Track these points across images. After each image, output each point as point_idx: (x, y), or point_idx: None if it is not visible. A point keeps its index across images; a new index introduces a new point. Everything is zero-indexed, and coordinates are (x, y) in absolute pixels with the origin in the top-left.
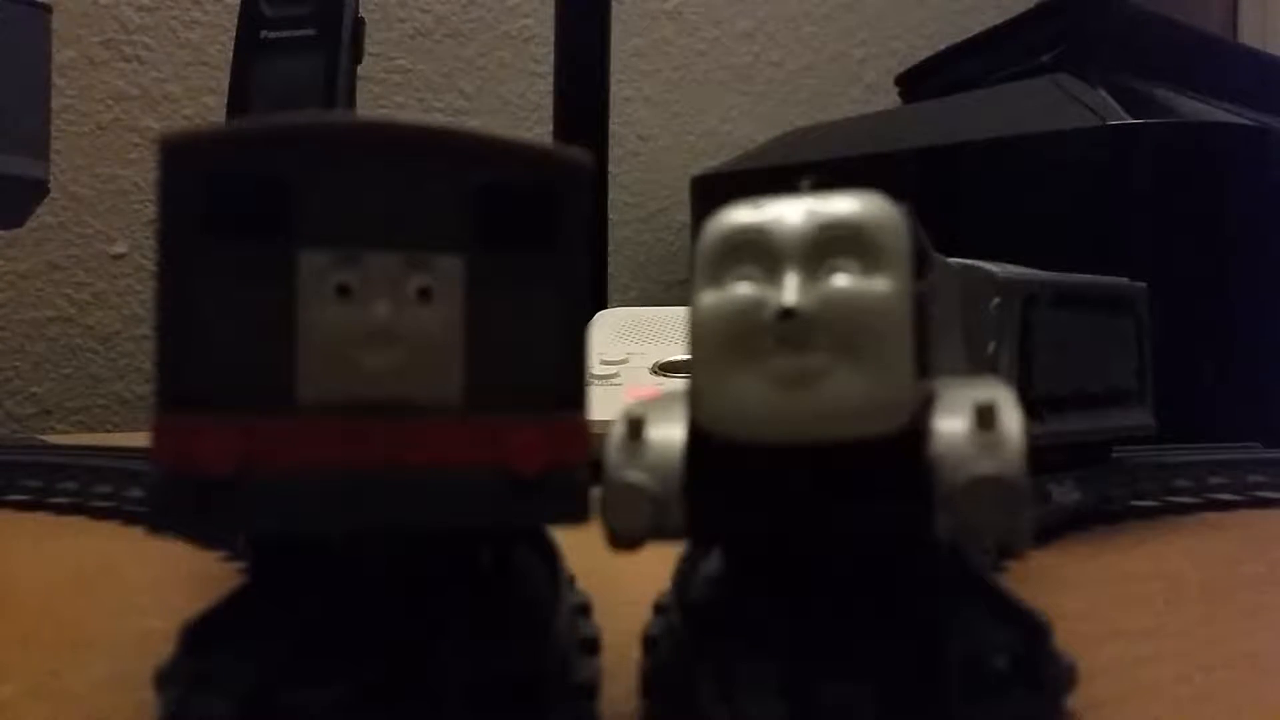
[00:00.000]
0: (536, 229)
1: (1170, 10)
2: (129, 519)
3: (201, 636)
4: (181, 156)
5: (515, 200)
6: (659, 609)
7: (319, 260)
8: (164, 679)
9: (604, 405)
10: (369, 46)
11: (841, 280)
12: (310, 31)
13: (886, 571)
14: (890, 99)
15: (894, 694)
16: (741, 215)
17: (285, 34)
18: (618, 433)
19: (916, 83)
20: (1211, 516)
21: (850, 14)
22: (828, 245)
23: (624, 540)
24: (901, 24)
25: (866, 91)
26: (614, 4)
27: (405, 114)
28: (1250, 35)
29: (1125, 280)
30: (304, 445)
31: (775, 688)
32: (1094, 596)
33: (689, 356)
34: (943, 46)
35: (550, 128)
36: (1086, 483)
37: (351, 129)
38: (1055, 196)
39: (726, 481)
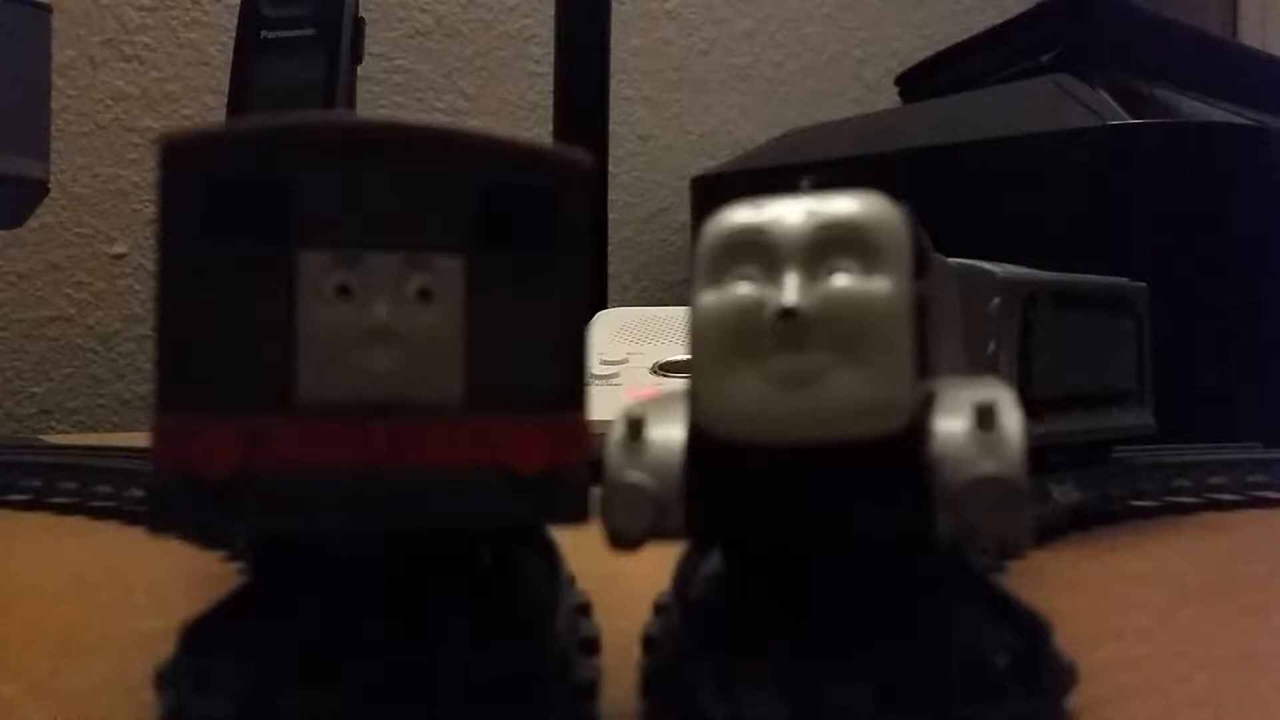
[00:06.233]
0: (536, 229)
1: (1170, 10)
2: (129, 519)
3: (201, 637)
4: (181, 156)
5: (515, 200)
6: (659, 609)
7: (319, 260)
8: (164, 679)
9: (604, 405)
10: (369, 46)
11: (841, 280)
12: (310, 31)
13: (886, 571)
14: (890, 99)
15: (894, 694)
16: (741, 215)
17: (285, 34)
18: (618, 433)
19: (916, 83)
20: (1211, 516)
21: (850, 14)
22: (828, 245)
23: (624, 540)
24: (901, 24)
25: (866, 91)
26: (614, 4)
27: (405, 114)
28: (1250, 35)
29: (1125, 280)
30: (304, 445)
31: (775, 688)
32: (1094, 596)
33: (689, 356)
34: (943, 46)
35: (550, 128)
36: (1086, 483)
37: (351, 129)
38: (1055, 196)
39: (726, 481)
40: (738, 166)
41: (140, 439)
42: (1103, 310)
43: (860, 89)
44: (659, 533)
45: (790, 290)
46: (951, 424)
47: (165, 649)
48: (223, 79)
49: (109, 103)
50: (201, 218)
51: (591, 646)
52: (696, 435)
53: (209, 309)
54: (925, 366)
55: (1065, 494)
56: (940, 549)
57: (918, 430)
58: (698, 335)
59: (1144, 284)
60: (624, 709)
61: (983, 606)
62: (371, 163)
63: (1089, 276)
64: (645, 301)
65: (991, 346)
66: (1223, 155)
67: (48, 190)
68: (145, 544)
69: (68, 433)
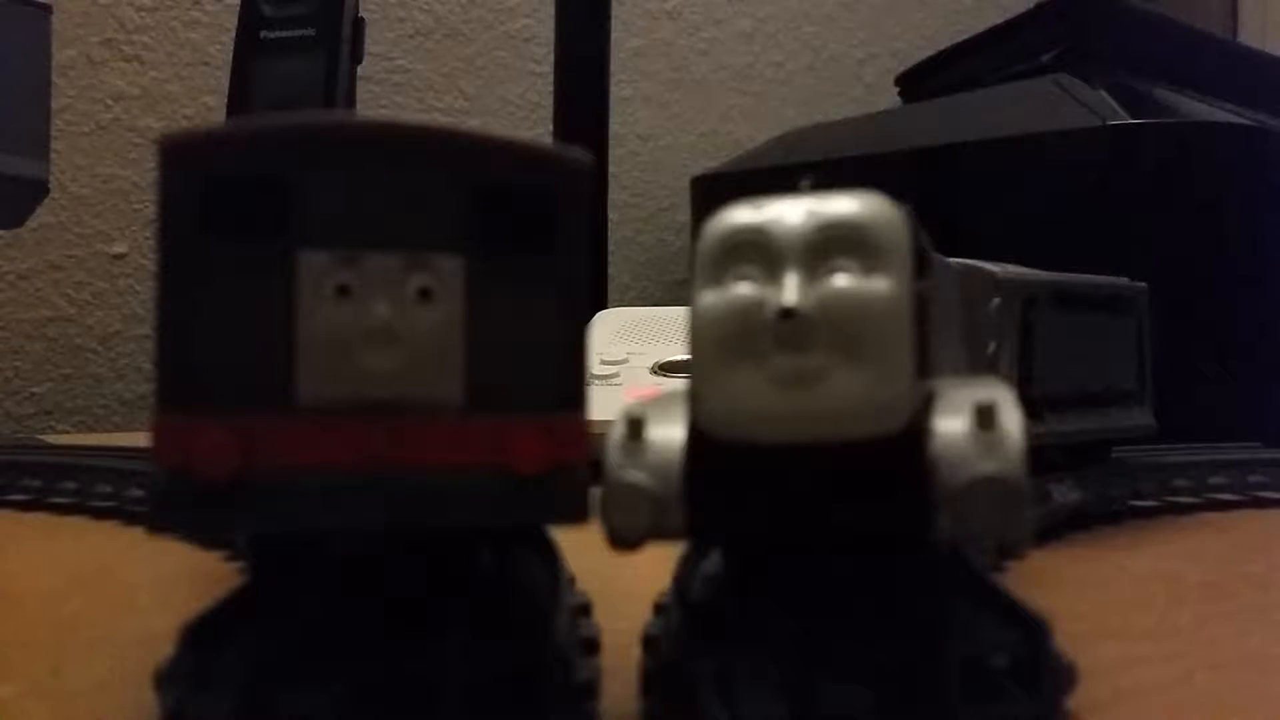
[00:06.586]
0: (536, 229)
1: (1170, 10)
2: (129, 519)
3: (201, 636)
4: (181, 156)
5: (515, 200)
6: (659, 609)
7: (319, 260)
8: (164, 679)
9: (604, 405)
10: (369, 46)
11: (841, 280)
12: (310, 31)
13: (886, 571)
14: (890, 99)
15: (894, 694)
16: (741, 215)
17: (285, 34)
18: (618, 433)
19: (916, 83)
20: (1211, 516)
21: (850, 14)
22: (828, 245)
23: (624, 540)
24: (901, 24)
25: (866, 91)
26: (614, 4)
27: (405, 114)
28: (1250, 35)
29: (1125, 280)
30: (304, 445)
31: (775, 688)
32: (1094, 596)
33: (689, 356)
34: (943, 46)
35: (550, 128)
36: (1086, 483)
37: (351, 129)
38: (1055, 196)
39: (726, 481)
40: (738, 166)
41: (140, 439)
42: (1103, 310)
43: (860, 89)
44: (659, 533)
45: (790, 290)
46: (951, 424)
47: (165, 648)
48: (223, 79)
49: (109, 103)
50: (201, 217)
51: (591, 646)
52: (696, 435)
53: (209, 309)
54: (925, 366)
55: (1065, 494)
56: (940, 549)
57: (918, 430)
58: (698, 335)
59: (1144, 284)
60: (624, 709)
61: (983, 606)
62: (371, 163)
63: (1089, 276)
64: (645, 301)
65: (991, 346)
66: (1223, 155)
67: (48, 190)
68: (145, 544)
69: (68, 433)
